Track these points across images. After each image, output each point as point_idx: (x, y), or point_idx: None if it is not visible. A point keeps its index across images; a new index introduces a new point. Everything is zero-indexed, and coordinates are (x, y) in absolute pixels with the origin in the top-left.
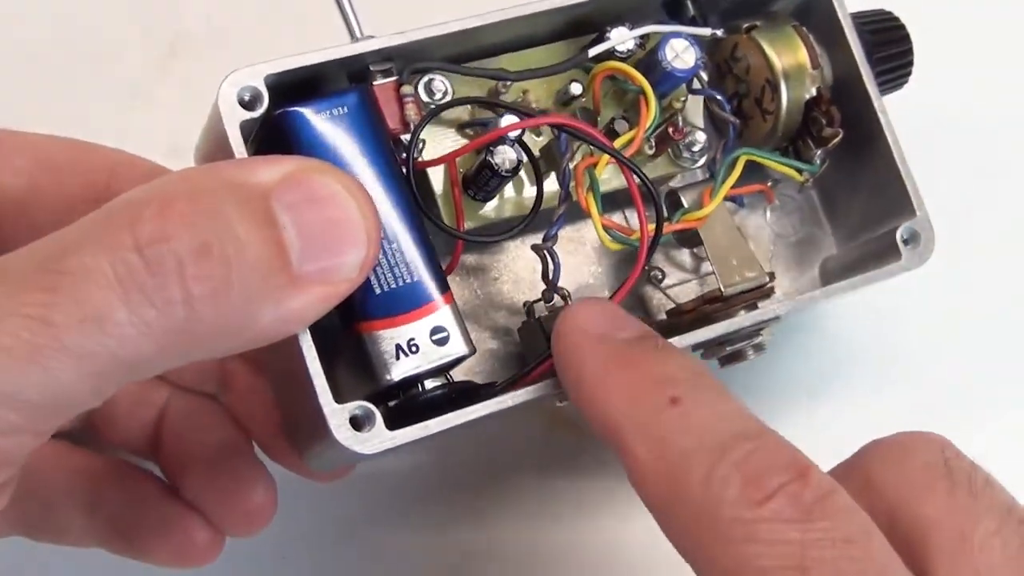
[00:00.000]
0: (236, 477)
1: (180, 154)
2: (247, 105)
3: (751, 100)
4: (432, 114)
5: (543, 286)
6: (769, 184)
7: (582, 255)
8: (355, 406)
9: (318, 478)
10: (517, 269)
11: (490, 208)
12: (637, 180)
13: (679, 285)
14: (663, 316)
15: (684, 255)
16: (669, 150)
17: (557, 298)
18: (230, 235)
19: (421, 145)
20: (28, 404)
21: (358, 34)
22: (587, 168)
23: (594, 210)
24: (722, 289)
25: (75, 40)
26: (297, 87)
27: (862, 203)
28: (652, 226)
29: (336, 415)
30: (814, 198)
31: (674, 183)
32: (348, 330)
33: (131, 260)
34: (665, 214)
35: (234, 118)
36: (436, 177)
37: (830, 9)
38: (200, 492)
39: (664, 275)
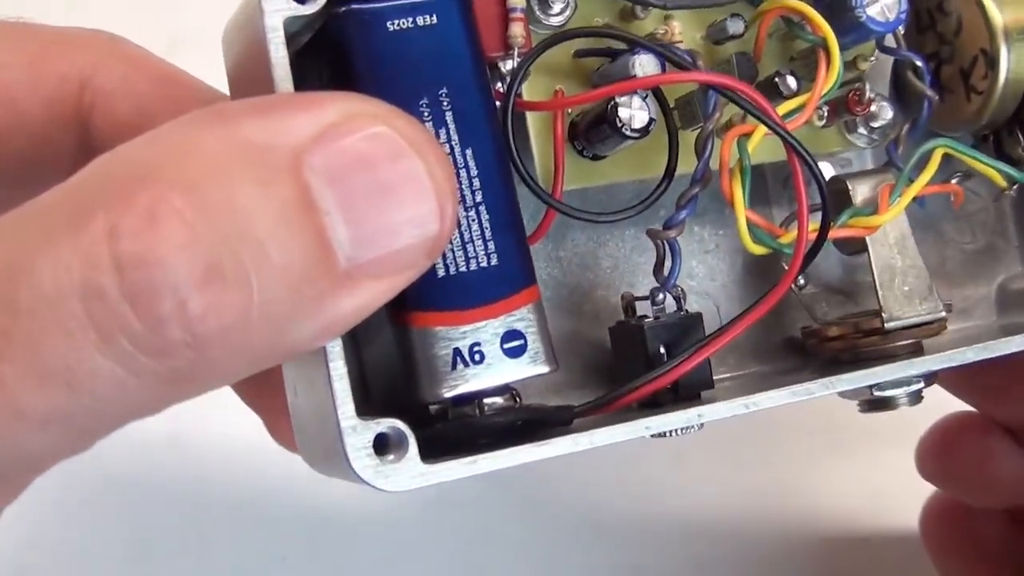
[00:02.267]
0: None
1: None
2: None
3: (954, 69)
4: (544, 47)
5: (652, 281)
6: (955, 181)
7: (696, 245)
8: (385, 425)
9: None
10: (620, 249)
11: (600, 169)
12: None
13: (820, 295)
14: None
15: (830, 257)
16: (843, 125)
17: (669, 299)
18: (249, 243)
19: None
20: None
21: None
22: (738, 139)
23: (739, 198)
24: (884, 321)
25: None
26: None
27: None
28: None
29: (355, 434)
30: (1005, 204)
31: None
32: (396, 319)
33: (110, 293)
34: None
35: (276, 12)
36: (533, 118)
37: None
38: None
39: (806, 281)
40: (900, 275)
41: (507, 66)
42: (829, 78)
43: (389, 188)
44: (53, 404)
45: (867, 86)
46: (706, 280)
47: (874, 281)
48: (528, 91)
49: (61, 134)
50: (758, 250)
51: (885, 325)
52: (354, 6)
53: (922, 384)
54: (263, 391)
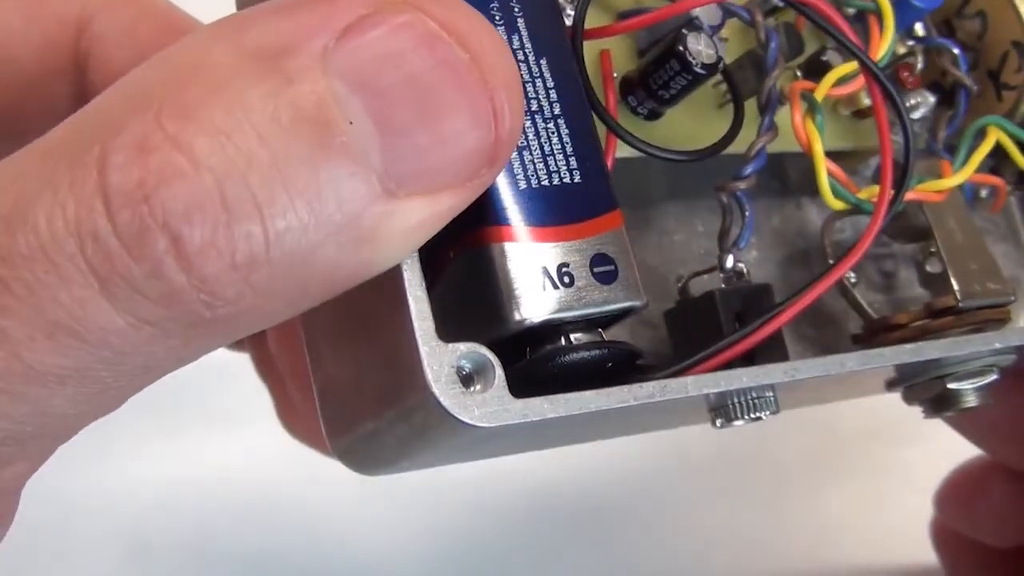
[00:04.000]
0: None
1: None
2: None
3: (982, 71)
4: None
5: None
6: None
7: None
8: (467, 349)
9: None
10: (683, 233)
11: (656, 130)
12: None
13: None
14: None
15: (888, 256)
16: None
17: (736, 267)
18: (257, 160)
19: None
20: (5, 438)
21: None
22: (803, 91)
23: (817, 146)
24: (958, 297)
25: None
26: None
27: None
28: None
29: (438, 361)
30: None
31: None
32: (464, 239)
33: (103, 234)
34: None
35: None
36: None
37: None
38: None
39: (856, 280)
40: (967, 254)
41: None
42: (883, 42)
43: (426, 88)
44: (66, 359)
45: (920, 60)
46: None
47: (942, 258)
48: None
49: (55, 83)
50: (838, 205)
51: (960, 303)
52: None
53: (996, 376)
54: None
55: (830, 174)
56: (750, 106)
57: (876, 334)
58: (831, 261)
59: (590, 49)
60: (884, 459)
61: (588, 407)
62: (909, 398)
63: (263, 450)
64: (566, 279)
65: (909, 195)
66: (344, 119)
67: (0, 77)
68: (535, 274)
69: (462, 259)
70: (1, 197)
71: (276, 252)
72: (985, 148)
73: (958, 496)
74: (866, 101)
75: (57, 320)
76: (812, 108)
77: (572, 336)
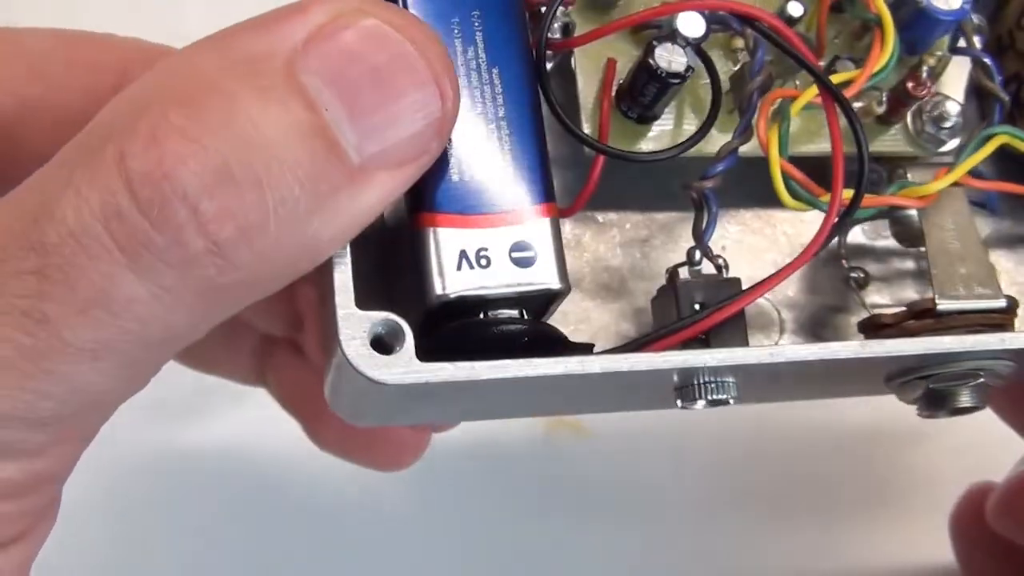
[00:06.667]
0: None
1: None
2: None
3: None
4: None
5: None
6: None
7: (767, 238)
8: (380, 317)
9: (371, 463)
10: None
11: (648, 134)
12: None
13: (888, 296)
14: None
15: (906, 261)
16: (911, 123)
17: (706, 262)
18: (254, 141)
19: (568, 26)
20: (49, 418)
21: None
22: (780, 100)
23: (774, 149)
24: (936, 300)
25: None
26: None
27: None
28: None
29: (352, 324)
30: None
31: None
32: (411, 221)
33: (127, 212)
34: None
35: None
36: (587, 81)
37: None
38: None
39: (867, 279)
40: (957, 259)
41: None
42: (883, 55)
43: (384, 77)
44: (99, 333)
45: (926, 72)
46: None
47: (928, 259)
48: (584, 58)
49: None
50: (794, 204)
51: (937, 306)
52: None
53: (982, 378)
54: (303, 397)
55: (790, 176)
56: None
57: (869, 331)
58: (844, 263)
59: (599, 55)
60: None
61: (481, 376)
62: (902, 396)
63: None
64: (482, 261)
65: (893, 200)
66: (321, 107)
67: (45, 120)
68: (453, 255)
69: (410, 237)
70: (27, 203)
71: (275, 220)
72: (977, 156)
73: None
74: (879, 109)
75: (89, 297)
76: (782, 115)
77: (491, 313)
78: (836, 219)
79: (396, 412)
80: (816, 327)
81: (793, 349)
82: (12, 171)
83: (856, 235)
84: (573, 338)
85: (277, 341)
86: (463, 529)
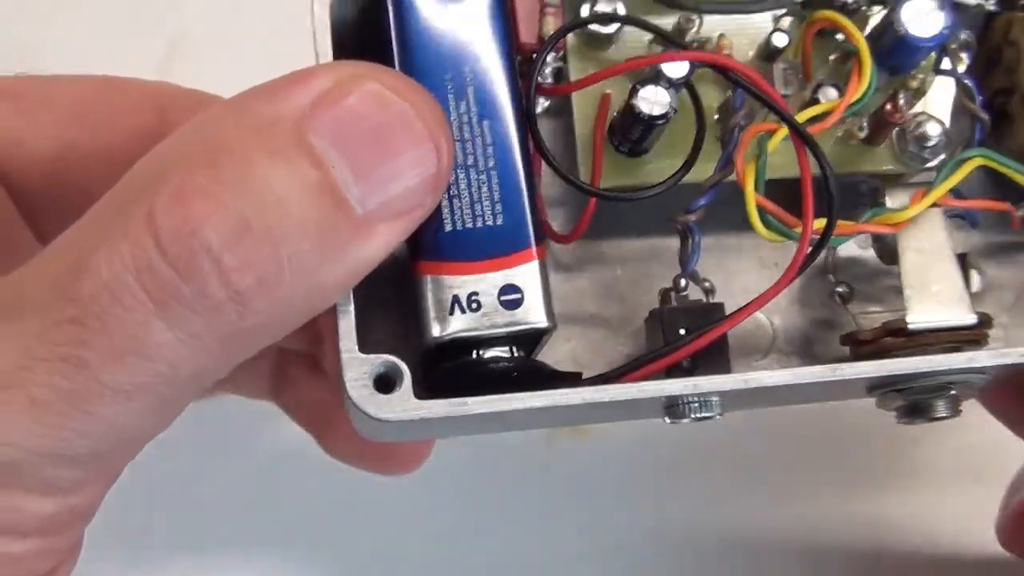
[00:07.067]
0: None
1: None
2: None
3: (1019, 97)
4: (568, 29)
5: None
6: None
7: (752, 260)
8: (380, 360)
9: (379, 470)
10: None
11: (642, 166)
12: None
13: (874, 312)
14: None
15: (893, 276)
16: (895, 142)
17: (694, 286)
18: (268, 199)
19: (561, 70)
20: (86, 456)
21: None
22: (759, 135)
23: (750, 184)
24: (907, 320)
25: (74, 40)
26: None
27: None
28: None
29: (354, 366)
30: None
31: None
32: (410, 268)
33: (157, 266)
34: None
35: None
36: (582, 116)
37: None
38: (340, 449)
39: (852, 293)
40: (932, 280)
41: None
42: (860, 86)
43: (385, 137)
44: (134, 376)
45: (903, 98)
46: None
47: (902, 281)
48: (580, 95)
49: None
50: (769, 235)
51: (909, 325)
52: None
53: (953, 391)
54: (318, 410)
55: (765, 209)
56: None
57: (851, 345)
58: (831, 278)
59: (595, 91)
60: None
61: (473, 410)
62: (881, 405)
63: None
64: (473, 305)
65: (866, 227)
66: (328, 165)
67: (87, 160)
68: (447, 299)
69: (410, 283)
70: (64, 256)
71: (289, 270)
72: (953, 180)
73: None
74: (860, 134)
75: (124, 343)
76: (760, 149)
77: (486, 351)
78: (809, 249)
79: (410, 433)
80: (807, 340)
81: (767, 375)
82: (60, 207)
83: (849, 247)
84: (577, 360)
85: (292, 356)
86: (463, 529)
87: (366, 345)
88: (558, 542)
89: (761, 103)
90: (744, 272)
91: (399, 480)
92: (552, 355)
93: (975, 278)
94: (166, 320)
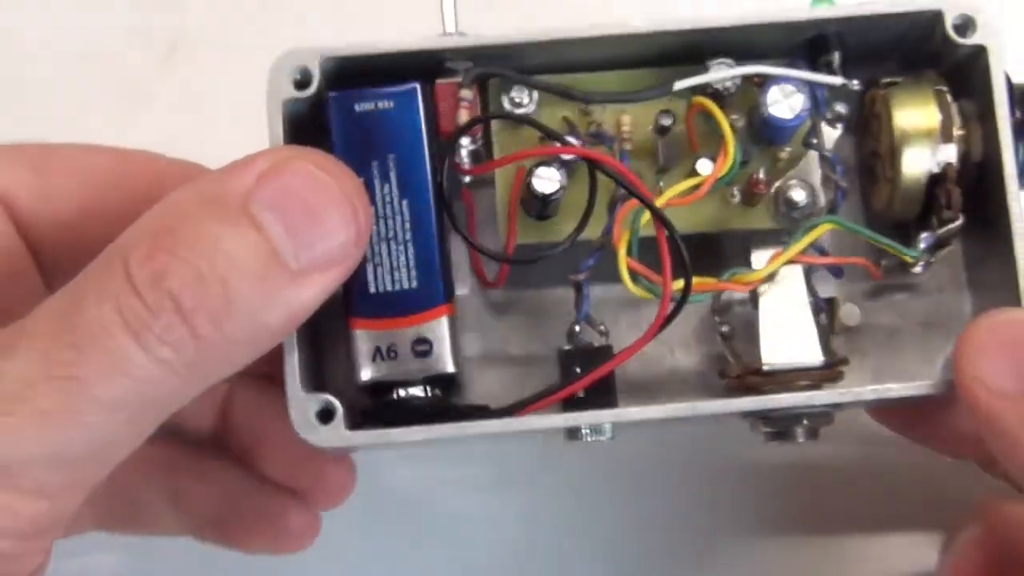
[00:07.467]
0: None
1: None
2: (297, 84)
3: (880, 163)
4: (467, 127)
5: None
6: (884, 262)
7: (647, 306)
8: (321, 397)
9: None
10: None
11: (552, 227)
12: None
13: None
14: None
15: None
16: (771, 203)
17: (588, 333)
18: (218, 255)
19: (478, 151)
20: (72, 462)
21: (451, 29)
22: (634, 209)
23: (622, 250)
24: (762, 362)
25: (74, 40)
26: (370, 71)
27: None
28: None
29: (299, 404)
30: (962, 276)
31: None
32: (345, 323)
33: (135, 306)
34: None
35: (278, 95)
36: (502, 188)
37: (985, 75)
38: (278, 471)
39: (733, 332)
40: (785, 327)
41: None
42: (724, 164)
43: (313, 205)
44: (118, 390)
45: (762, 170)
46: (670, 332)
47: (757, 329)
48: (502, 172)
49: None
50: (638, 292)
51: (764, 366)
52: (332, 93)
53: (805, 422)
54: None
55: (634, 271)
56: None
57: (726, 379)
58: (716, 319)
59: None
60: None
61: (394, 440)
62: (754, 430)
63: None
64: (391, 354)
65: (722, 286)
66: (267, 228)
67: (102, 220)
68: (369, 350)
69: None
70: (69, 296)
71: (235, 311)
72: (804, 242)
73: None
74: (733, 200)
75: (111, 364)
76: (634, 223)
77: (404, 391)
78: (670, 307)
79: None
80: (701, 373)
81: (636, 410)
82: (82, 258)
83: None
84: (505, 388)
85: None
86: (463, 529)
87: (324, 379)
88: (558, 542)
89: (624, 189)
90: (640, 318)
91: (399, 480)
92: (481, 386)
93: (853, 313)
94: (143, 348)
